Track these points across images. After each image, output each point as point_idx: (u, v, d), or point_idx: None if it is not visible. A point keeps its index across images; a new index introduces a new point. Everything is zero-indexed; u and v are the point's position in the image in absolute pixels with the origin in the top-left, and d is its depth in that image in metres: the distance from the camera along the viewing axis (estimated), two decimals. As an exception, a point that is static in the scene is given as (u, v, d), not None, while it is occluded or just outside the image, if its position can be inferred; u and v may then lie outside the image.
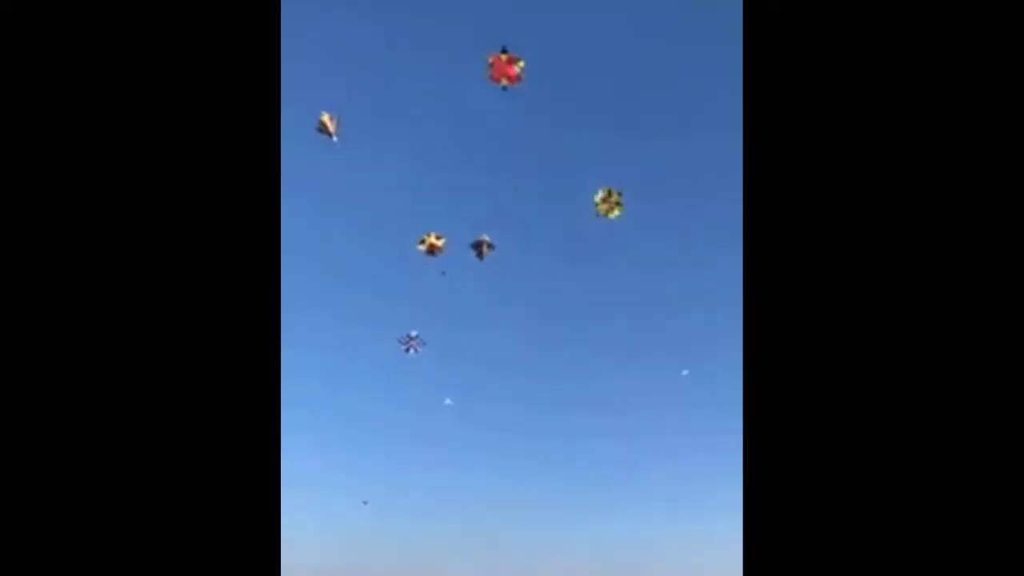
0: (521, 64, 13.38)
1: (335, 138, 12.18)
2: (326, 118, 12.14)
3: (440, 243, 14.87)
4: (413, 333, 16.69)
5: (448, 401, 20.26)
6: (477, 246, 15.16)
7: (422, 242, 14.82)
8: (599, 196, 14.36)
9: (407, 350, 16.73)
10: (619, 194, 14.27)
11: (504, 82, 13.55)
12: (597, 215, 13.97)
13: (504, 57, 13.42)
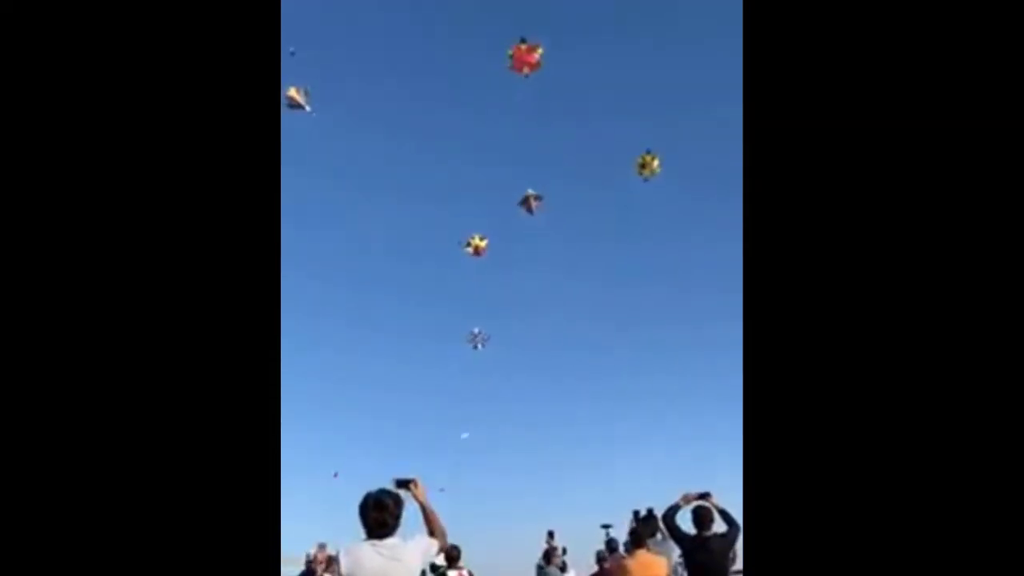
0: (540, 51, 13.29)
1: (308, 108, 11.87)
2: (293, 91, 11.69)
3: (483, 244, 14.89)
4: (476, 330, 16.68)
5: (465, 435, 19.62)
6: (524, 202, 14.88)
7: (468, 244, 14.91)
8: (637, 162, 14.45)
9: (474, 347, 16.67)
10: (652, 155, 14.28)
11: (526, 71, 13.47)
12: (641, 177, 14.14)
13: (523, 47, 13.33)
